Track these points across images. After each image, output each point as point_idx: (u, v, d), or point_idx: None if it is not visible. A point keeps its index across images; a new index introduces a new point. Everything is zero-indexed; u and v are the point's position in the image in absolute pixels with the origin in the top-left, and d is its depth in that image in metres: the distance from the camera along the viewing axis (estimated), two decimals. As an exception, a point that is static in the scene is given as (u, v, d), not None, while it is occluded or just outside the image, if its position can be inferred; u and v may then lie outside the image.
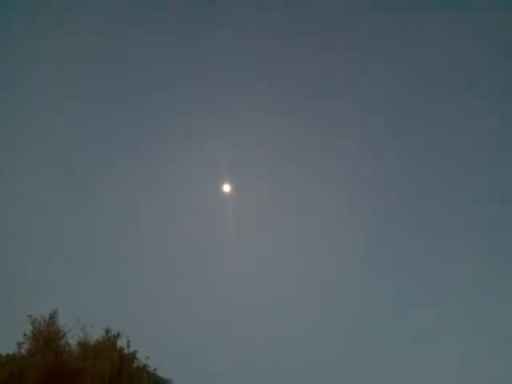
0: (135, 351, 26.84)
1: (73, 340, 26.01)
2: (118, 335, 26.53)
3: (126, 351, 26.54)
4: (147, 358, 26.99)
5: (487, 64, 42.44)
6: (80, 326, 25.80)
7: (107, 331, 26.53)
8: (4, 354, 25.86)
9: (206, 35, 43.95)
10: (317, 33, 43.68)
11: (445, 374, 33.60)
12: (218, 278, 38.30)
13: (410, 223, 44.31)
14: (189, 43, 44.06)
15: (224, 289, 37.86)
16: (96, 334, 26.23)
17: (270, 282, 39.09)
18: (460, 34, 41.98)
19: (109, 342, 26.32)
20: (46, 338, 25.37)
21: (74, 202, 40.80)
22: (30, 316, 25.42)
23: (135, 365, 26.85)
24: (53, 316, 25.84)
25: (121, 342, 26.58)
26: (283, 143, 43.30)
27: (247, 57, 45.18)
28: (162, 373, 27.74)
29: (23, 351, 25.26)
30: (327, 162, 44.73)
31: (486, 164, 43.42)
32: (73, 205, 40.59)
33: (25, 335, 25.28)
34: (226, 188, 37.06)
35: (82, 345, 26.01)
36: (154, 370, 27.10)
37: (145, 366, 26.87)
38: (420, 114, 45.10)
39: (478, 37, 42.25)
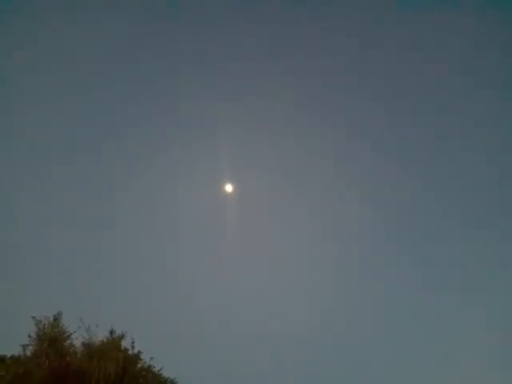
0: (140, 352, 26.85)
1: (77, 341, 26.09)
2: (123, 336, 26.59)
3: (130, 352, 26.56)
4: (151, 358, 27.01)
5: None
6: (84, 327, 25.93)
7: (111, 332, 26.58)
8: (9, 355, 25.83)
9: (206, 33, 43.68)
10: (318, 31, 43.49)
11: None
12: (220, 277, 38.42)
13: (415, 223, 44.16)
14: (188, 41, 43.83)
15: (226, 289, 37.99)
16: (100, 335, 26.38)
17: (272, 282, 39.24)
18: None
19: (113, 343, 26.34)
20: (51, 339, 25.29)
21: (74, 203, 40.82)
22: (34, 318, 25.42)
23: (140, 365, 26.85)
24: (57, 317, 25.81)
25: (125, 343, 26.67)
26: (286, 143, 43.30)
27: (248, 56, 44.94)
28: (167, 373, 27.75)
29: (28, 353, 25.27)
30: (332, 163, 44.73)
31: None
32: (73, 206, 40.60)
33: (29, 337, 25.31)
34: (228, 188, 37.21)
35: (87, 346, 26.05)
36: (159, 370, 27.13)
37: (149, 366, 26.90)
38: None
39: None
